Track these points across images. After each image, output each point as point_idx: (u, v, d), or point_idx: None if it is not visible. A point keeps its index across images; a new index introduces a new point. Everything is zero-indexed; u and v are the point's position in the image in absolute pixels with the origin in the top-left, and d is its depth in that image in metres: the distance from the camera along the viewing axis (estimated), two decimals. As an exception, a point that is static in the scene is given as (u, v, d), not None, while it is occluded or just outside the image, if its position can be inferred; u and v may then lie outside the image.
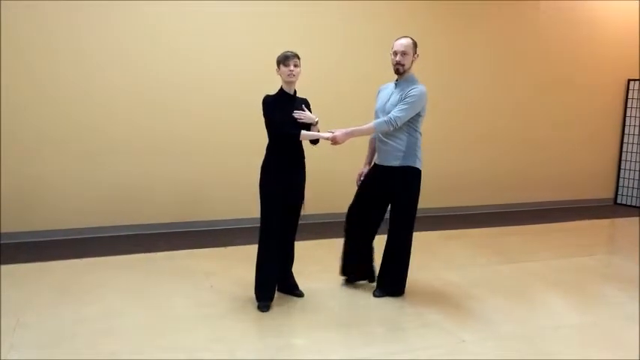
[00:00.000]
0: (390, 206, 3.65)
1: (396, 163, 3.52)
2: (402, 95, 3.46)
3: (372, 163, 3.77)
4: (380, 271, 3.77)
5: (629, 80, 7.47)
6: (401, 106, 3.42)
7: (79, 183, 5.02)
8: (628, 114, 7.52)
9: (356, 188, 3.81)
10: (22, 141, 4.79)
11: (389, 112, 3.48)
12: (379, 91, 3.73)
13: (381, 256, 3.76)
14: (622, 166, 7.63)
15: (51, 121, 4.86)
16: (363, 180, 3.76)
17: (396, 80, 3.59)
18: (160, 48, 5.12)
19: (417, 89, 3.45)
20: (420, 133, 3.60)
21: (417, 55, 3.55)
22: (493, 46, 6.57)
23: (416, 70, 6.41)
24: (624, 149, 7.59)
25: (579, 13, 7.00)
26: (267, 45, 5.20)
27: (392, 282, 3.70)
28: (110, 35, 4.94)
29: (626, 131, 7.56)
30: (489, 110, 6.69)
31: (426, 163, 6.28)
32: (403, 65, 3.49)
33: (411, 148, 3.53)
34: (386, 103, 3.56)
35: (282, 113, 3.34)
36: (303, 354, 2.87)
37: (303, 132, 3.35)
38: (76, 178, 5.00)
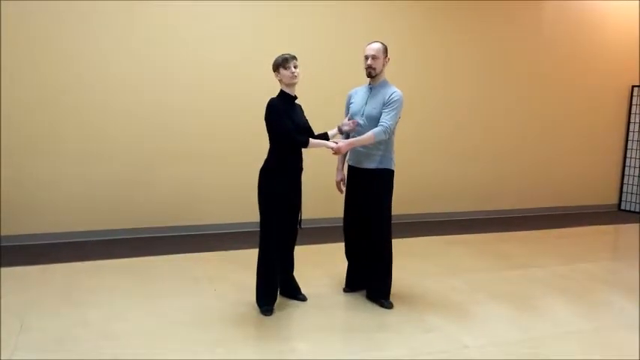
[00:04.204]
0: (367, 208, 3.63)
1: (373, 165, 3.57)
2: (383, 99, 3.51)
3: (347, 166, 3.76)
4: (365, 274, 3.74)
5: (633, 87, 7.46)
6: (389, 113, 3.47)
7: (82, 186, 5.04)
8: (632, 120, 7.52)
9: (341, 195, 3.82)
10: (23, 143, 4.81)
11: (370, 116, 3.53)
12: (350, 96, 3.76)
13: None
14: (626, 172, 7.61)
15: (52, 123, 4.89)
16: (346, 190, 3.77)
17: (370, 84, 3.63)
18: (161, 50, 5.15)
19: (397, 93, 3.51)
20: (394, 135, 3.64)
21: (389, 59, 3.60)
22: (496, 49, 6.58)
23: (419, 72, 6.44)
24: (628, 155, 7.58)
25: (583, 18, 7.01)
26: (266, 47, 5.22)
27: (376, 285, 3.66)
28: (109, 37, 4.97)
29: (630, 137, 7.55)
30: (491, 115, 6.69)
31: (427, 168, 6.40)
32: (374, 69, 3.54)
33: (388, 150, 3.59)
34: (363, 106, 3.59)
35: (289, 118, 3.33)
36: (306, 357, 2.87)
37: (312, 140, 3.37)
38: (79, 180, 5.03)
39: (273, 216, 3.37)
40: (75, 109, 4.94)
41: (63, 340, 2.96)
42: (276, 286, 3.51)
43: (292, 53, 3.37)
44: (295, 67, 3.33)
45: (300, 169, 3.48)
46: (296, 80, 3.36)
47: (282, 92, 3.40)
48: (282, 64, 3.32)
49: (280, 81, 3.38)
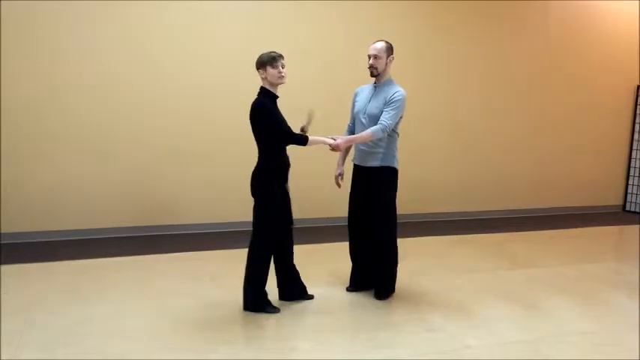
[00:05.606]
0: (371, 206, 3.63)
1: (375, 163, 3.58)
2: (385, 98, 3.52)
3: (352, 164, 3.76)
4: (370, 273, 3.75)
5: (638, 87, 7.43)
6: (389, 112, 3.48)
7: (84, 184, 5.06)
8: (637, 120, 7.48)
9: (342, 195, 3.81)
10: (24, 143, 4.83)
11: (372, 114, 3.54)
12: (356, 94, 3.77)
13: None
14: (631, 173, 7.57)
15: (56, 122, 4.91)
16: (351, 189, 3.77)
17: (375, 83, 3.64)
18: (161, 50, 5.16)
19: (400, 93, 3.52)
20: (398, 134, 3.65)
21: (392, 58, 3.61)
22: (500, 49, 6.56)
23: (422, 71, 6.42)
24: (633, 156, 7.54)
25: (588, 18, 6.98)
26: (266, 47, 5.20)
27: (380, 282, 3.68)
28: (109, 37, 4.97)
29: (635, 137, 7.51)
30: (494, 114, 6.67)
31: (429, 168, 6.37)
32: (376, 68, 3.56)
33: (390, 148, 3.59)
34: (366, 105, 3.60)
35: (281, 118, 3.31)
36: (308, 357, 2.87)
37: (311, 137, 3.35)
38: (81, 179, 5.04)
39: (270, 216, 3.36)
40: (75, 108, 4.95)
41: (66, 338, 2.97)
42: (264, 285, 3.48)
43: (279, 52, 3.28)
44: (283, 67, 3.26)
45: (288, 165, 3.46)
46: (283, 81, 3.29)
47: (266, 91, 3.29)
48: (269, 62, 3.21)
49: (264, 79, 3.27)
